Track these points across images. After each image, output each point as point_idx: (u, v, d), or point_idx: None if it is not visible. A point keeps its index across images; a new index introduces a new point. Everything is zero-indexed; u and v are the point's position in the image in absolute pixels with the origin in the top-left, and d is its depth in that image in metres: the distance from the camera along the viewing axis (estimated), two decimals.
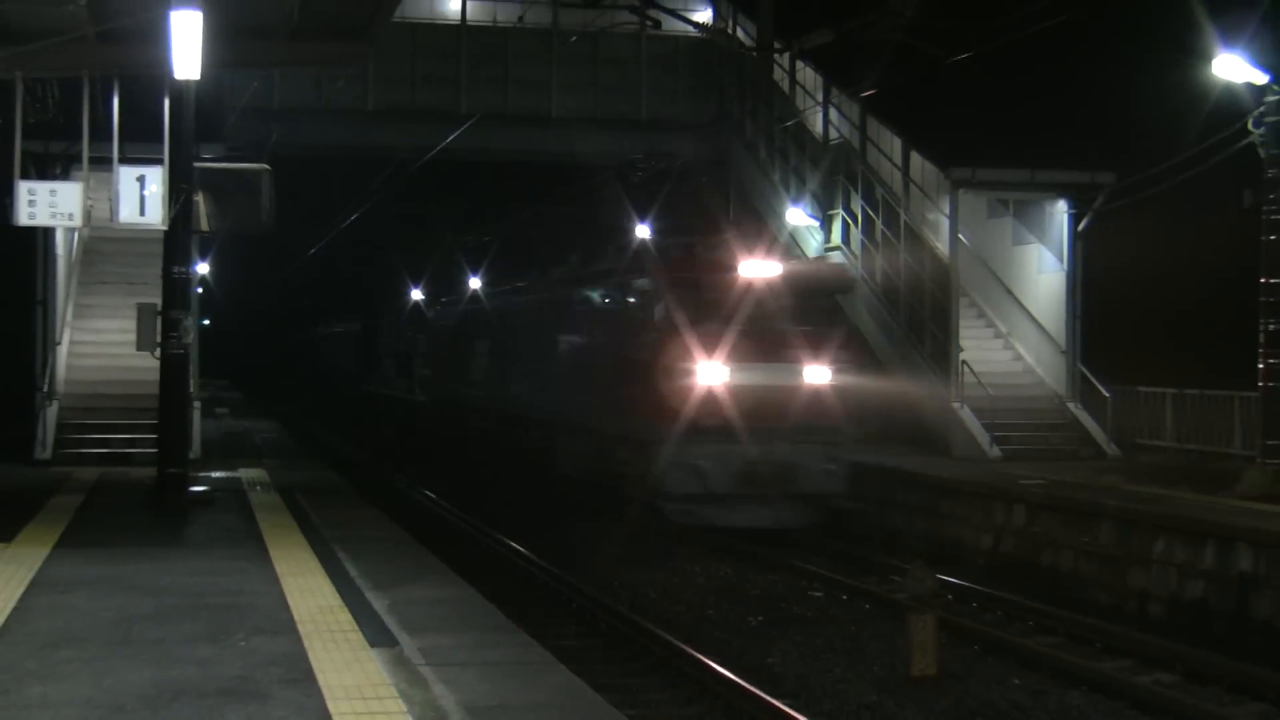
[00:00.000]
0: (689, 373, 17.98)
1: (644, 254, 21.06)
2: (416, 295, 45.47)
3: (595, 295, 21.91)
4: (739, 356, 18.07)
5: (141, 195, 14.41)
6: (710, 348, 17.99)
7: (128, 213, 14.45)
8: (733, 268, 18.71)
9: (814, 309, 19.44)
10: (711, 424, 17.85)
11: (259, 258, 53.44)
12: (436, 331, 37.47)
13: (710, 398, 17.93)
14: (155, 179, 14.42)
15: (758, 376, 18.22)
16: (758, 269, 18.80)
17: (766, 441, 17.98)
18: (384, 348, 47.70)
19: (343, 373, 57.16)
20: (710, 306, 18.55)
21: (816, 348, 18.54)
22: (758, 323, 18.47)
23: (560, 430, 23.05)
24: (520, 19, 30.31)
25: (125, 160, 14.46)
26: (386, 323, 47.90)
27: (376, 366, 48.63)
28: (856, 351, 19.72)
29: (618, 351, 19.91)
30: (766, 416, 18.02)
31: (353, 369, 54.12)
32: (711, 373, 17.99)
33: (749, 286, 18.60)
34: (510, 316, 28.17)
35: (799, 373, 18.43)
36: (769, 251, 19.48)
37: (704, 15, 31.76)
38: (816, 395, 18.46)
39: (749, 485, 17.94)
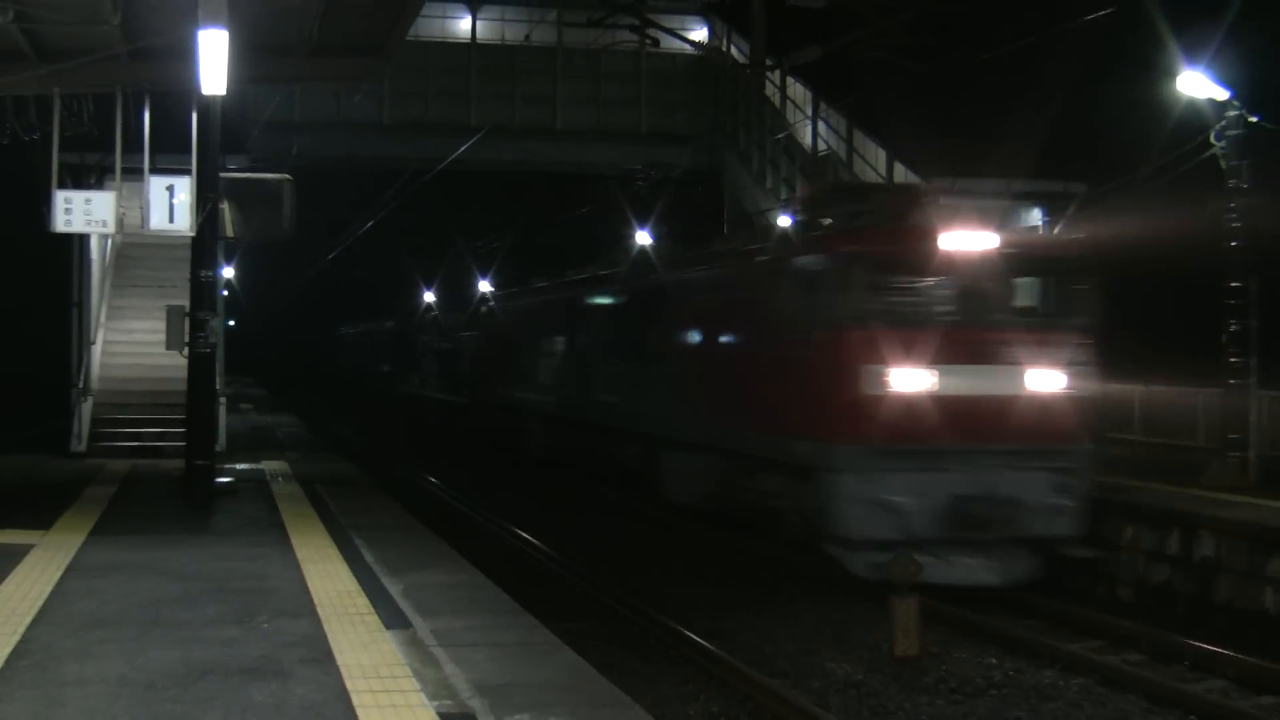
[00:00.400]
0: (879, 377, 13.38)
1: (806, 223, 15.75)
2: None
3: (729, 279, 16.91)
4: (945, 355, 13.48)
5: (171, 203, 14.44)
6: (907, 344, 13.42)
7: (158, 220, 14.49)
8: (934, 238, 13.81)
9: (1043, 292, 14.86)
10: (910, 446, 13.32)
11: (283, 261, 53.20)
12: (489, 329, 32.24)
13: (908, 410, 13.35)
14: (184, 188, 14.45)
15: (970, 382, 13.63)
16: (968, 240, 13.85)
17: (982, 468, 13.46)
18: (421, 347, 43.00)
19: (371, 372, 53.35)
20: (906, 289, 14.02)
21: (1046, 344, 13.91)
22: (969, 311, 13.87)
23: (668, 447, 18.27)
24: (527, 37, 30.37)
25: (155, 170, 14.51)
26: (424, 321, 43.46)
27: (412, 367, 43.92)
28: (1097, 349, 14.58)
29: (768, 350, 15.18)
30: (982, 435, 13.52)
31: (383, 369, 50.03)
32: (909, 377, 13.43)
33: (957, 263, 13.81)
34: (593, 310, 23.10)
35: (1023, 377, 13.77)
36: (982, 217, 14.43)
37: (700, 34, 31.80)
38: (1045, 406, 13.77)
39: (961, 528, 13.30)
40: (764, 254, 16.13)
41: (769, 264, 15.62)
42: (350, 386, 59.02)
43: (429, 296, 48.08)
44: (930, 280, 13.95)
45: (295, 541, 12.46)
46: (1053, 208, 22.63)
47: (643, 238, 26.52)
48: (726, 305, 16.80)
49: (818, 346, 14.05)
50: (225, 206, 17.34)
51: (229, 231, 20.16)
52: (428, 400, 39.63)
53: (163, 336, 16.40)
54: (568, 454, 23.98)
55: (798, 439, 14.20)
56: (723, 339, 16.90)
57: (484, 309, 33.26)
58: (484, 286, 37.89)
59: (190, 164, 14.75)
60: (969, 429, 13.48)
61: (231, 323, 38.12)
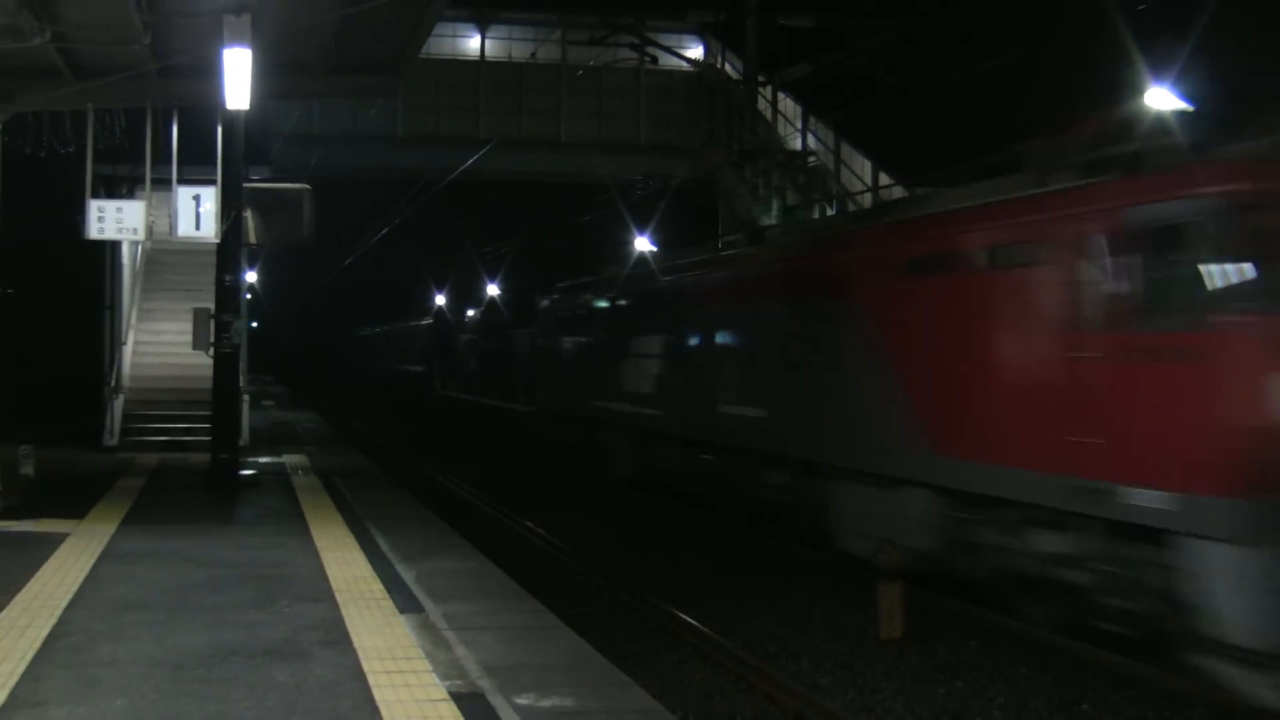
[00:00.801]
0: None
1: (1118, 161, 9.90)
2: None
3: (979, 244, 11.18)
4: None
5: (197, 212, 14.49)
6: None
7: (185, 227, 14.54)
8: None
9: None
10: None
11: (303, 266, 52.64)
12: (554, 326, 26.02)
13: None
14: (209, 198, 14.51)
15: None
16: None
17: None
18: (463, 347, 37.20)
19: (400, 372, 48.23)
20: None
21: None
22: None
23: (845, 479, 13.26)
24: (533, 55, 30.39)
25: (183, 181, 14.56)
26: (467, 319, 37.64)
27: (451, 368, 38.25)
28: None
29: (1073, 348, 9.91)
30: None
31: (415, 369, 44.81)
32: None
33: None
34: (715, 299, 17.30)
35: None
36: None
37: (696, 51, 31.82)
38: None
39: None
40: (1065, 203, 10.25)
41: (1076, 216, 10.05)
42: (375, 386, 55.32)
43: (464, 293, 44.26)
44: None
45: (314, 531, 12.49)
46: None
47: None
48: (971, 283, 11.18)
49: (1185, 343, 8.94)
50: (248, 214, 17.37)
51: (252, 238, 20.20)
52: (471, 404, 34.01)
53: (189, 337, 16.43)
54: (671, 477, 18.83)
55: (1137, 485, 9.13)
56: (963, 331, 11.32)
57: (548, 303, 26.68)
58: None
59: (215, 175, 14.81)
60: None
61: (254, 324, 37.69)
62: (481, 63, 30.57)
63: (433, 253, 48.06)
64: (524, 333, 28.80)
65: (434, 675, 7.13)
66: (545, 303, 27.07)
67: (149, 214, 14.53)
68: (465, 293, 44.16)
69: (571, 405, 23.90)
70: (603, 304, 22.83)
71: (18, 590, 9.19)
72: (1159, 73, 15.70)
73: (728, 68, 30.97)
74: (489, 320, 34.64)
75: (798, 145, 27.29)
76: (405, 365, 47.99)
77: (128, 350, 22.74)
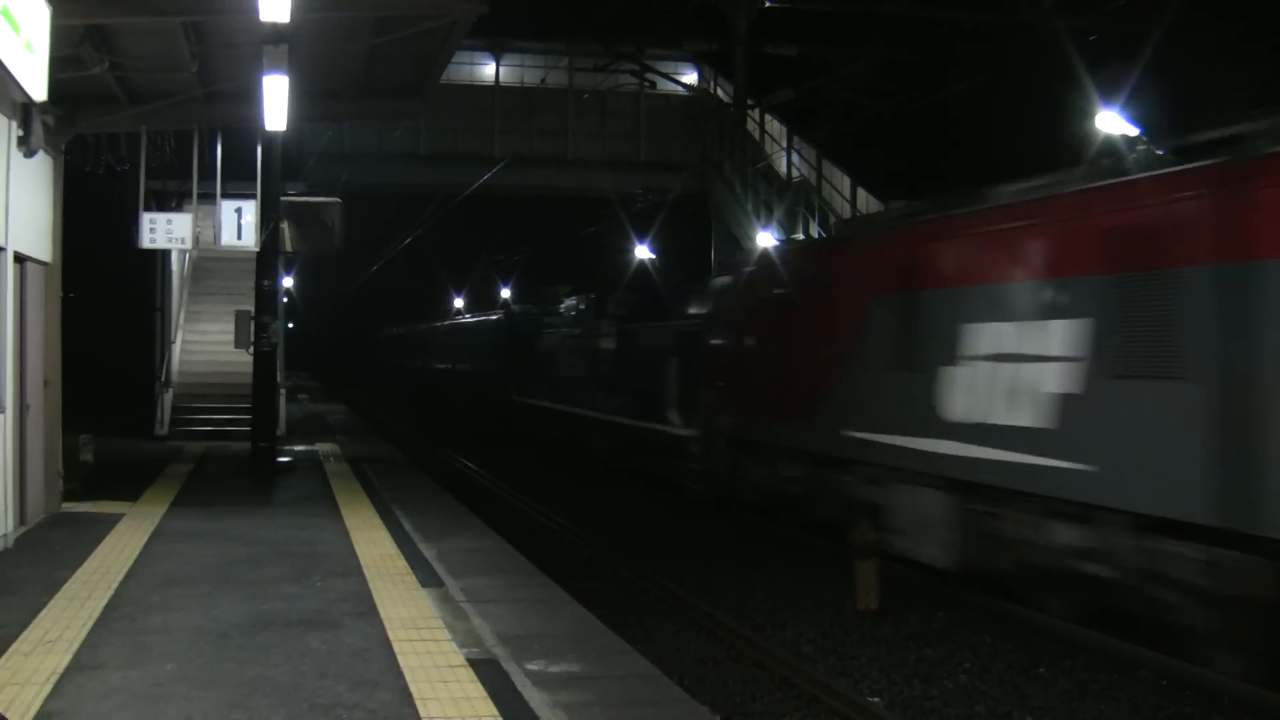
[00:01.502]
0: None
1: None
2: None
3: None
4: None
5: (239, 223, 14.53)
6: None
7: (228, 237, 14.59)
8: None
9: None
10: None
11: (335, 271, 51.70)
12: (757, 312, 15.44)
13: None
14: (250, 210, 14.55)
15: None
16: None
17: None
18: (558, 346, 26.40)
19: (456, 374, 38.63)
20: None
21: None
22: None
23: None
24: (543, 81, 30.43)
25: (226, 195, 14.60)
26: (561, 309, 27.17)
27: (535, 372, 28.17)
28: None
29: None
30: None
31: (478, 369, 35.01)
32: None
33: None
34: None
35: None
36: None
37: (691, 78, 31.84)
38: None
39: None
40: None
41: None
42: (420, 389, 45.75)
43: (546, 284, 35.05)
44: None
45: (344, 512, 12.52)
46: None
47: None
48: None
49: None
50: (285, 226, 17.37)
51: (288, 247, 20.16)
52: (579, 419, 24.07)
53: (232, 337, 16.46)
54: (1070, 580, 9.89)
55: None
56: None
57: (730, 281, 16.78)
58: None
59: (255, 189, 14.85)
60: None
61: (290, 325, 37.10)
62: (496, 88, 30.60)
63: (462, 254, 46.36)
64: (664, 325, 19.74)
65: (453, 644, 7.16)
66: (725, 280, 16.90)
67: (196, 225, 14.58)
68: (547, 283, 35.04)
69: (785, 432, 14.39)
70: (871, 274, 12.68)
71: (79, 565, 9.23)
72: (1109, 97, 15.71)
73: (720, 92, 30.99)
74: (598, 311, 24.44)
75: (782, 163, 27.28)
76: (463, 365, 37.68)
77: (176, 349, 22.77)
